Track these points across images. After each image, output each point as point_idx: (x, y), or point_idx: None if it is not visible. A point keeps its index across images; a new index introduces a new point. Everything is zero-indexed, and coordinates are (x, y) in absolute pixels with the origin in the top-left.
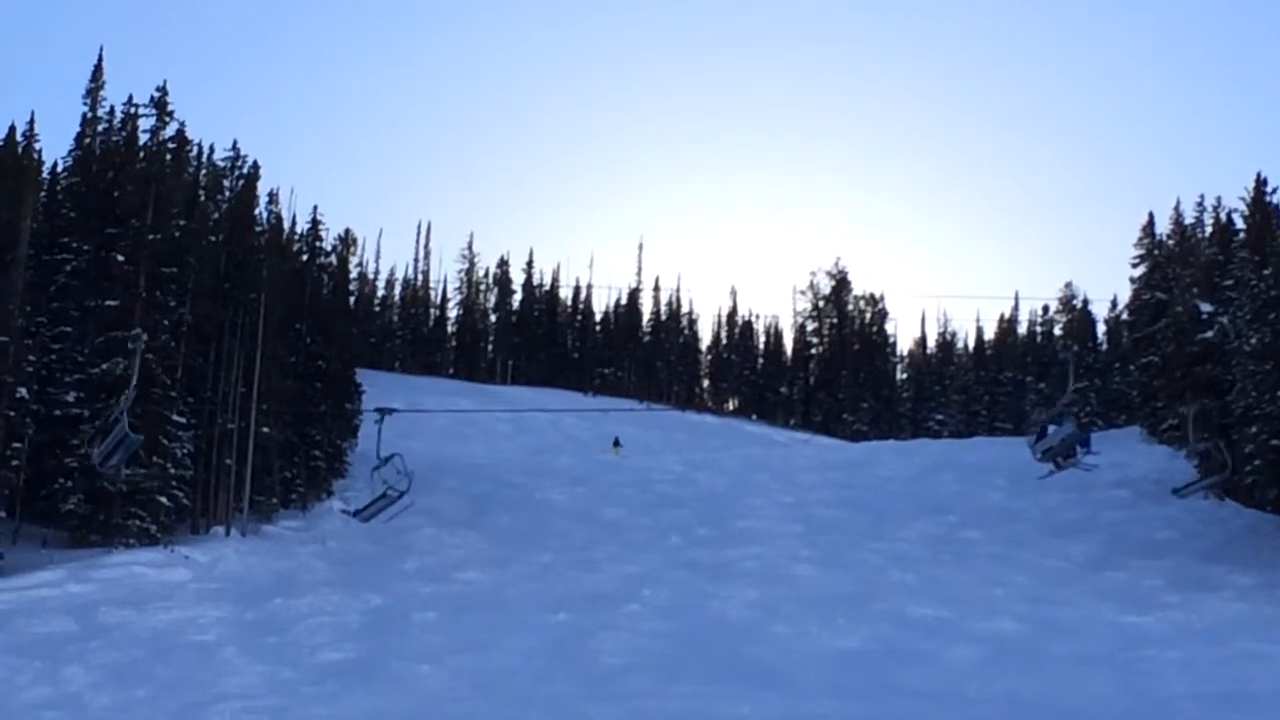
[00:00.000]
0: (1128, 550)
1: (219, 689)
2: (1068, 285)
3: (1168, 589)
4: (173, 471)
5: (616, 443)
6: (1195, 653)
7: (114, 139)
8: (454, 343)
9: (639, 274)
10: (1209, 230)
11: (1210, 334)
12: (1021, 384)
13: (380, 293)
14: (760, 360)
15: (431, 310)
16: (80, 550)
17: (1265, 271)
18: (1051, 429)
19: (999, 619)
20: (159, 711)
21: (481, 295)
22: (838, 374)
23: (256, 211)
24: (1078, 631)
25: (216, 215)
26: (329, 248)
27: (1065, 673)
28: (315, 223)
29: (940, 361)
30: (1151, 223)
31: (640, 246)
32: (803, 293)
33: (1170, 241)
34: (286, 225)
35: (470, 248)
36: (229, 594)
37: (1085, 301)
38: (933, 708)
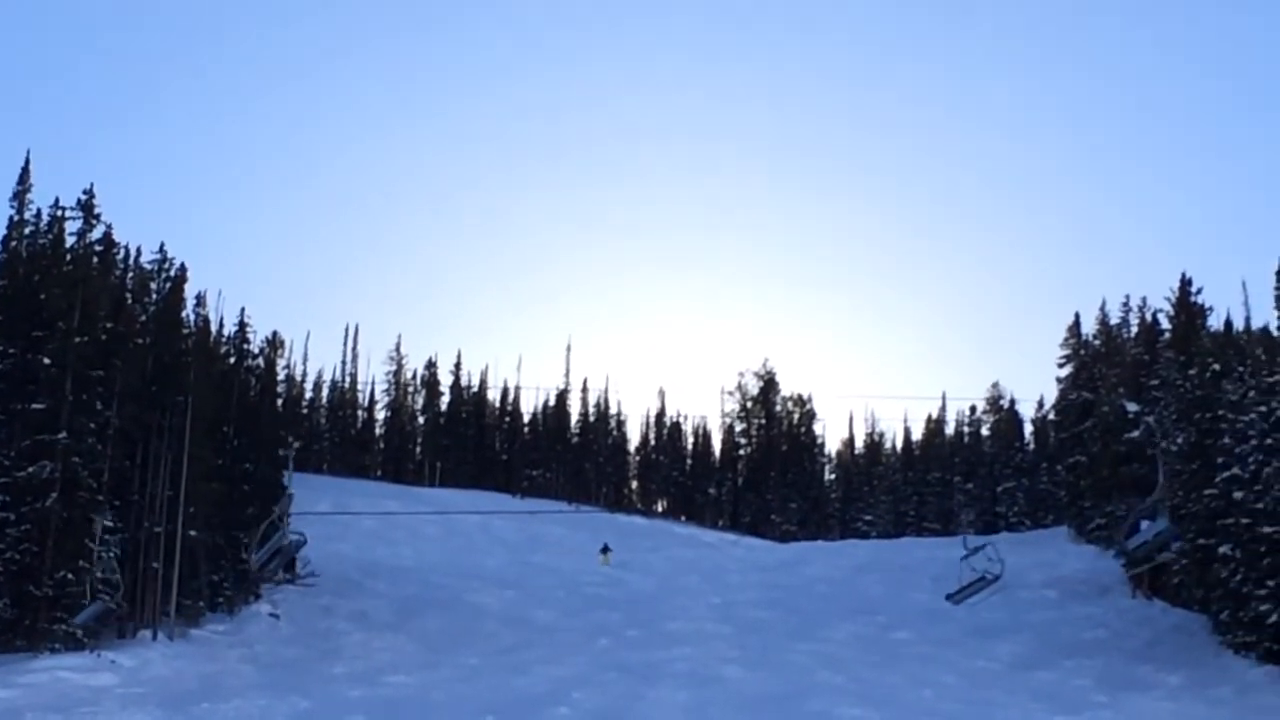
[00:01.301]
0: (1056, 650)
1: None
2: (994, 385)
3: (1097, 689)
4: (99, 575)
5: (605, 549)
6: None
7: (40, 242)
8: (382, 444)
9: (567, 375)
10: (1134, 330)
11: (1136, 433)
12: (949, 484)
13: (308, 395)
14: (688, 461)
15: (359, 412)
16: (5, 655)
17: (1190, 371)
18: (1144, 524)
19: None
20: None
21: (409, 397)
22: (766, 474)
23: (184, 314)
24: None
25: (143, 318)
26: (257, 350)
27: None
28: (243, 325)
29: (868, 461)
30: (1077, 323)
31: (568, 348)
32: (730, 393)
33: (1096, 342)
34: (214, 328)
35: (398, 349)
36: (155, 698)
37: (1012, 401)
38: None
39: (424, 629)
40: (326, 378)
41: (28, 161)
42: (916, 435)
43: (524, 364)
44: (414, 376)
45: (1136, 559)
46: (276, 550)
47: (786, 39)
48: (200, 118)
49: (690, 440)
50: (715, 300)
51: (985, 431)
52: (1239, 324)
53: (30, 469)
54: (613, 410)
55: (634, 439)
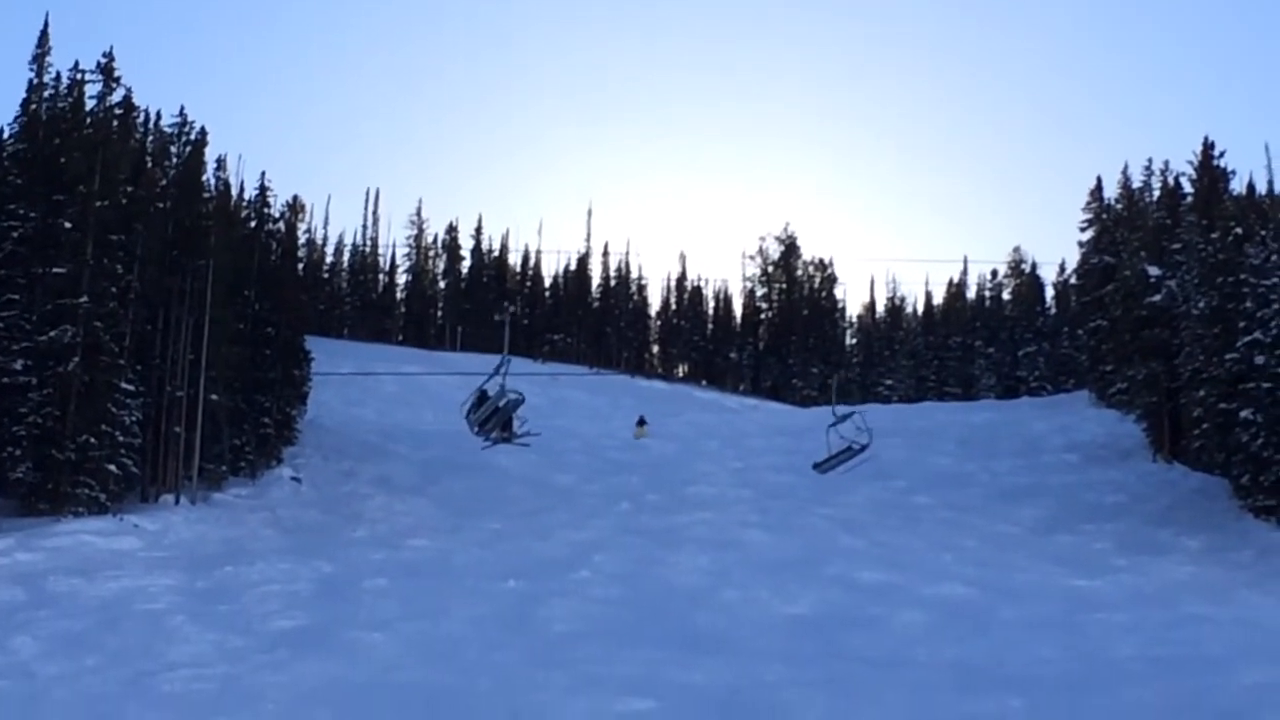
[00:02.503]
0: (1077, 514)
1: (169, 658)
2: (1016, 250)
3: (1116, 552)
4: (121, 439)
5: (641, 421)
6: (1144, 616)
7: (60, 105)
8: (403, 309)
9: (588, 239)
10: (1157, 194)
11: (1158, 298)
12: (970, 348)
13: (329, 259)
14: (710, 325)
15: (380, 277)
16: (29, 519)
17: (1213, 235)
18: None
19: (948, 584)
20: (109, 681)
21: (430, 261)
22: (787, 339)
23: (204, 178)
24: (1027, 596)
25: (164, 182)
26: (277, 214)
27: (1014, 637)
28: (263, 189)
29: (889, 326)
30: (1100, 187)
31: (589, 212)
32: (752, 258)
33: (1118, 205)
34: (234, 192)
35: (419, 214)
36: (178, 562)
37: (1034, 266)
38: (882, 673)
39: (446, 493)
40: (348, 242)
41: (46, 24)
42: (938, 299)
43: (545, 228)
44: (435, 241)
45: None
46: (494, 410)
47: None
48: None
49: (711, 305)
50: (737, 164)
51: (1006, 295)
52: (1261, 187)
53: (52, 333)
54: (634, 274)
55: (655, 303)
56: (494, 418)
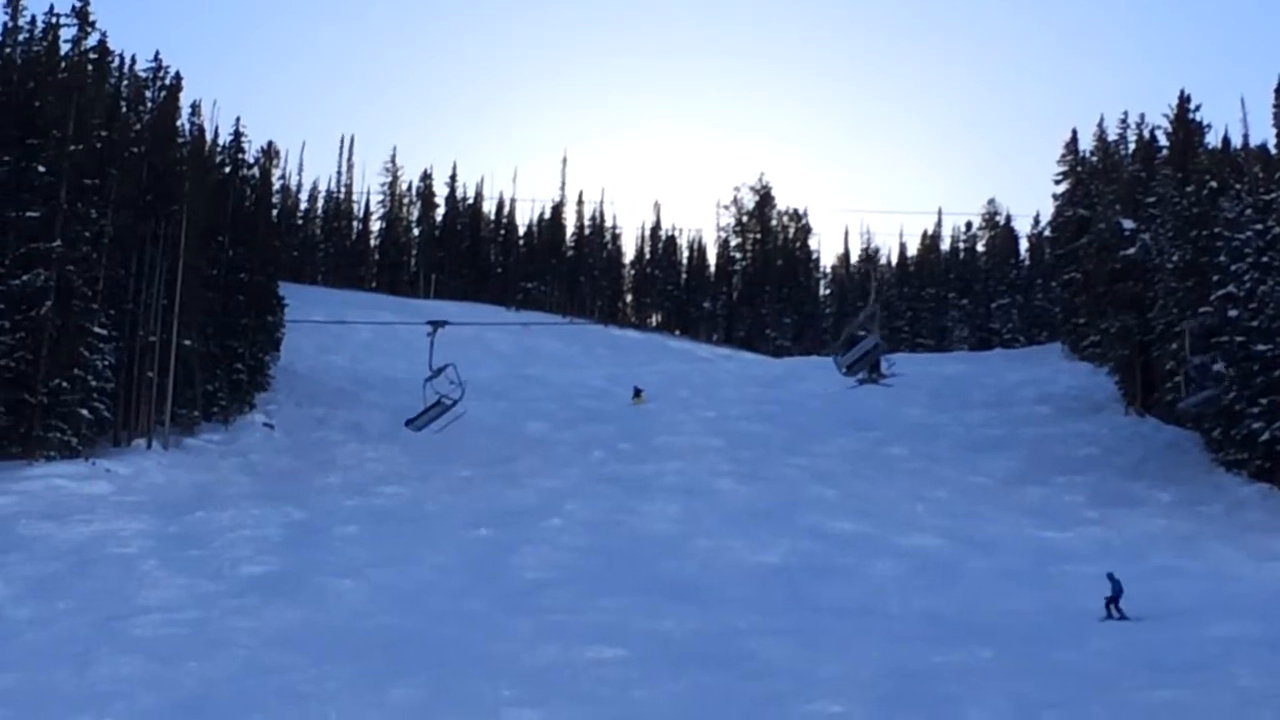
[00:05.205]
0: (1048, 466)
1: (140, 601)
2: (991, 201)
3: (1088, 505)
4: (94, 384)
5: (638, 392)
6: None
7: (35, 49)
8: (377, 256)
9: (563, 188)
10: (1132, 147)
11: (1132, 251)
12: (944, 300)
13: (303, 206)
14: (684, 275)
15: (354, 224)
16: (0, 462)
17: (1187, 189)
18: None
19: (920, 534)
20: (80, 624)
21: (404, 209)
22: (761, 289)
23: (179, 123)
24: (998, 547)
25: (138, 127)
26: (252, 160)
27: (985, 588)
28: (238, 135)
29: (863, 277)
30: (1075, 139)
31: (564, 160)
32: (726, 208)
33: (1093, 158)
34: (209, 137)
35: (393, 161)
36: (150, 507)
37: (1008, 218)
38: (853, 623)
39: (416, 440)
40: (322, 188)
41: None
42: (912, 251)
43: (519, 176)
44: (409, 188)
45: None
46: (865, 352)
47: None
48: None
49: (685, 254)
50: (711, 114)
51: (981, 248)
52: (1237, 141)
53: (25, 277)
54: (608, 223)
55: (629, 253)
56: (863, 359)
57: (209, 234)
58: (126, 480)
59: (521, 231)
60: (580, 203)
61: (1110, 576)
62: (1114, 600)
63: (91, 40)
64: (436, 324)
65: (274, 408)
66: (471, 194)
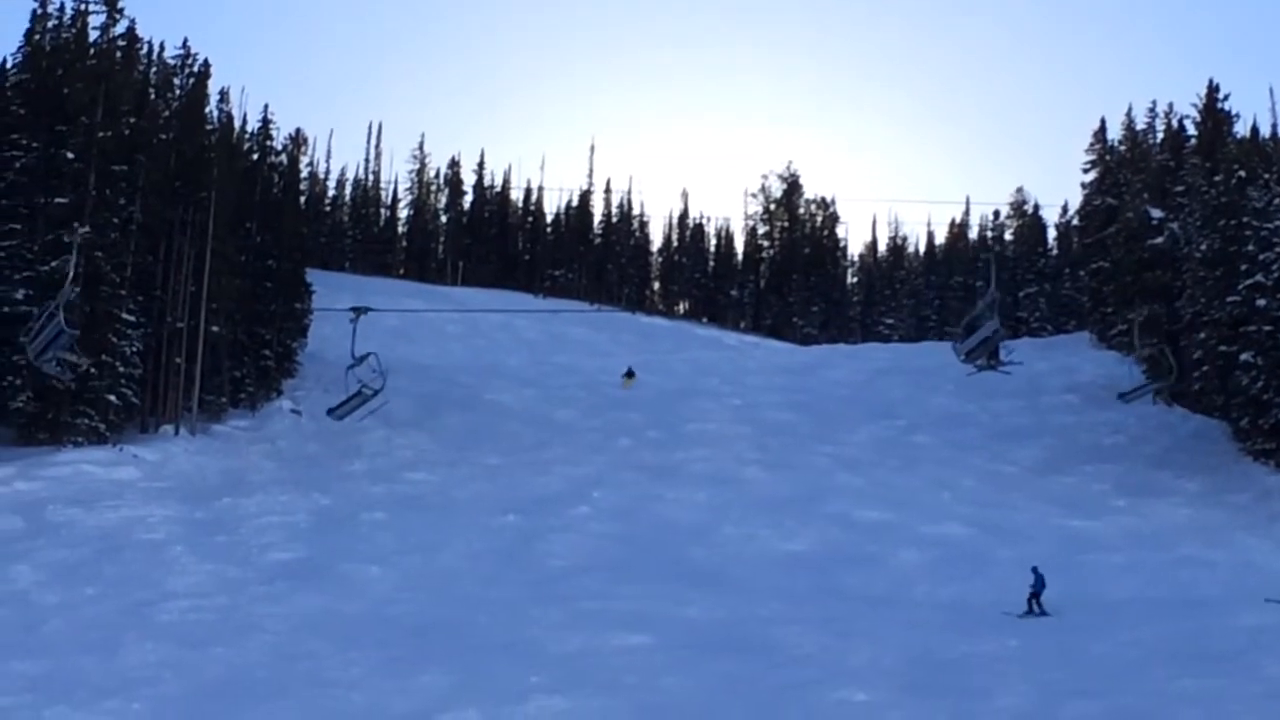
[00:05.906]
0: (1076, 455)
1: (167, 587)
2: (1019, 190)
3: (1115, 494)
4: (121, 370)
5: (630, 373)
6: (1141, 557)
7: (64, 36)
8: (404, 243)
9: (590, 175)
10: (1160, 136)
11: (1160, 240)
12: (972, 288)
13: (331, 193)
14: (711, 263)
15: (382, 211)
16: (28, 448)
17: (1216, 178)
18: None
19: (946, 523)
20: (108, 610)
21: (432, 196)
22: (788, 277)
23: (207, 110)
24: (1025, 535)
25: (167, 113)
26: (280, 147)
27: (1012, 577)
28: (266, 122)
29: (891, 266)
30: (1103, 128)
31: (592, 148)
32: (754, 196)
33: (1122, 147)
34: (237, 124)
35: (421, 148)
36: (178, 493)
37: (1036, 207)
38: (879, 611)
39: (445, 427)
40: (349, 176)
41: None
42: (940, 239)
43: (547, 164)
44: (437, 175)
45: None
46: (984, 339)
47: None
48: None
49: (713, 242)
50: (740, 103)
51: (1009, 236)
52: (1265, 131)
53: (53, 263)
54: (635, 211)
55: (656, 240)
56: (981, 346)
57: (237, 221)
58: (154, 466)
59: (549, 219)
60: (608, 190)
61: (1034, 570)
62: (1035, 595)
63: (120, 27)
64: (359, 310)
65: (301, 394)
66: (499, 182)
